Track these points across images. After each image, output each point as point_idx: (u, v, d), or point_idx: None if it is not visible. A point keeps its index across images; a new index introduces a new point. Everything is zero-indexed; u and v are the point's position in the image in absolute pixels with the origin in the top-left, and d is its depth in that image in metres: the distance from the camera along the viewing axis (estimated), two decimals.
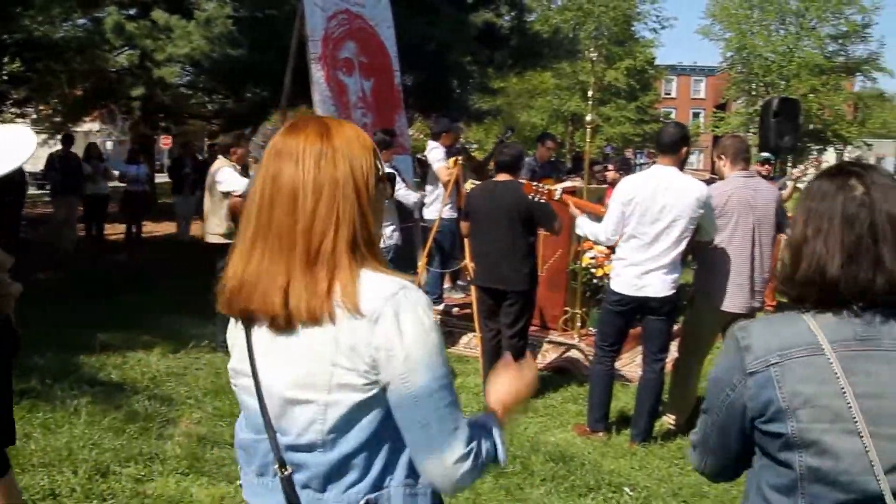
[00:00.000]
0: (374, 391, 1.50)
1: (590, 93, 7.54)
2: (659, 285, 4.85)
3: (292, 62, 8.22)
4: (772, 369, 1.58)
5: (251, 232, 1.54)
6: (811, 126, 39.84)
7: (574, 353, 6.75)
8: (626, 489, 4.42)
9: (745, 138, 5.45)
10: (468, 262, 6.34)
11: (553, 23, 34.58)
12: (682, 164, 5.02)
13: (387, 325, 1.47)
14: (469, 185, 7.22)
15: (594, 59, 6.58)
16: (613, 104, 41.04)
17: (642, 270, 4.84)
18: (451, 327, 7.45)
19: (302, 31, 8.09)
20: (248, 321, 1.58)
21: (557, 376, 6.50)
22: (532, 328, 7.04)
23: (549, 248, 7.08)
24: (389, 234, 6.78)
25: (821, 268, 1.59)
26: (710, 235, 5.01)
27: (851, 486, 1.52)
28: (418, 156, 8.61)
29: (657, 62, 46.34)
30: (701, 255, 5.22)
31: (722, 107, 50.39)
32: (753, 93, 42.32)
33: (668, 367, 5.38)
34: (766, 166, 8.91)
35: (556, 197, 5.40)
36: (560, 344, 6.92)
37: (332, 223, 1.50)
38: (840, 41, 41.25)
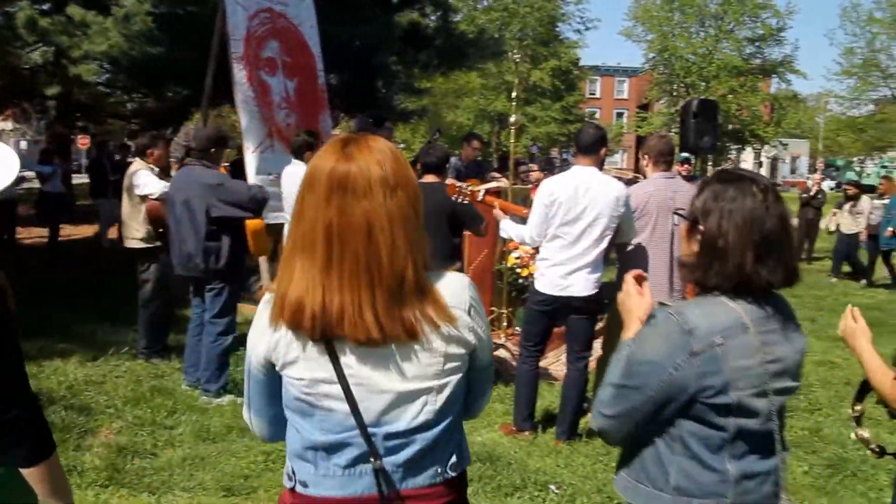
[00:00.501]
0: (467, 364, 1.77)
1: (514, 94, 7.60)
2: (582, 284, 4.92)
3: (213, 61, 8.09)
4: (717, 349, 1.84)
5: (321, 261, 1.60)
6: (730, 126, 40.98)
7: (501, 353, 6.80)
8: (552, 487, 4.48)
9: (670, 139, 5.54)
10: None
11: (479, 23, 34.80)
12: (601, 165, 5.11)
13: (475, 309, 1.75)
14: None
15: (517, 60, 6.58)
16: (539, 104, 41.48)
17: (566, 270, 4.91)
18: None
19: (223, 30, 7.98)
20: (328, 340, 1.65)
21: None
22: None
23: (475, 248, 7.12)
24: None
25: (737, 264, 1.87)
26: (628, 237, 5.12)
27: (763, 438, 1.92)
28: None
29: (582, 63, 47.02)
30: (622, 254, 5.32)
31: (645, 107, 51.41)
32: (675, 93, 43.32)
33: (592, 365, 5.48)
34: (686, 166, 9.13)
35: (480, 198, 5.44)
36: None
37: (409, 253, 1.62)
38: (756, 44, 42.51)
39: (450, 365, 1.71)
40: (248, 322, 6.71)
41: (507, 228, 5.29)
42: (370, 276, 1.59)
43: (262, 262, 8.24)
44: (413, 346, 1.65)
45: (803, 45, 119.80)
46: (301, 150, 6.71)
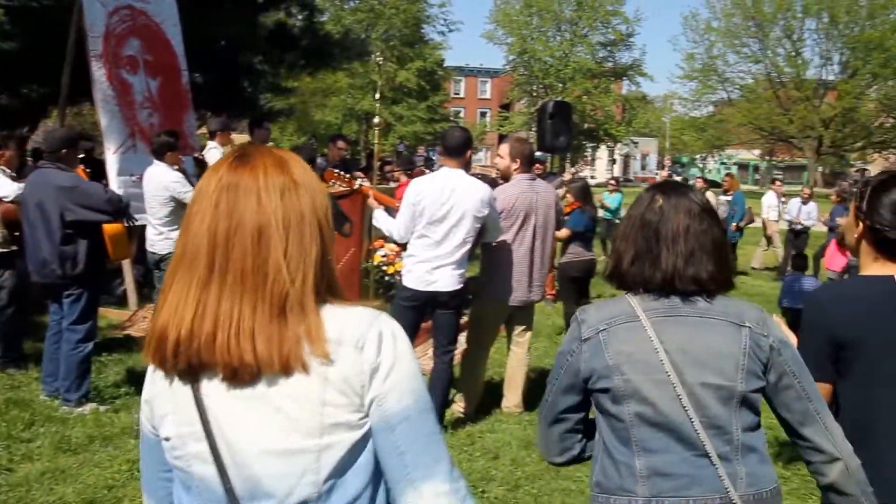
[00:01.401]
0: (363, 424, 1.35)
1: (377, 95, 7.55)
2: (448, 280, 4.94)
3: (70, 58, 7.68)
4: (601, 335, 1.91)
5: (201, 274, 1.32)
6: (585, 125, 42.32)
7: None
8: None
9: (531, 143, 5.65)
10: None
11: (346, 23, 34.55)
12: (467, 166, 5.15)
13: (371, 349, 1.34)
14: None
15: (381, 62, 6.55)
16: (405, 103, 41.57)
17: (432, 266, 4.92)
18: None
19: (80, 25, 7.57)
20: (194, 376, 1.34)
21: None
22: None
23: (342, 247, 7.03)
24: (177, 239, 6.47)
25: (617, 262, 1.99)
26: (492, 237, 5.19)
27: (669, 426, 1.84)
28: (195, 156, 8.26)
29: (446, 64, 47.42)
30: (487, 252, 5.38)
31: (506, 106, 52.41)
32: (534, 94, 44.35)
33: (458, 358, 5.51)
34: (539, 165, 9.30)
35: (357, 186, 5.39)
36: None
37: (301, 263, 1.33)
38: (609, 48, 44.09)
39: (332, 419, 1.31)
40: (113, 326, 6.45)
41: (380, 218, 5.26)
42: (255, 287, 1.30)
43: (126, 265, 7.89)
44: (285, 385, 1.30)
45: (650, 49, 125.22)
46: (162, 151, 6.44)
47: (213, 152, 7.70)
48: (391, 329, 1.38)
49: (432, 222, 4.89)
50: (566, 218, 7.22)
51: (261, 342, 1.29)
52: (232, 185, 1.34)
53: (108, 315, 7.79)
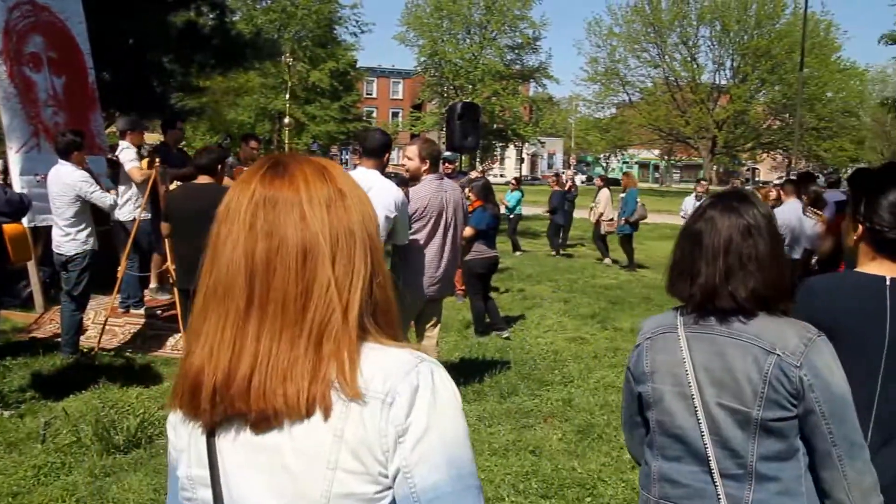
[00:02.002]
0: (383, 498, 1.09)
1: (286, 95, 7.47)
2: None
3: None
4: (646, 342, 1.98)
5: (239, 307, 1.11)
6: (495, 126, 42.66)
7: None
8: None
9: (437, 144, 5.70)
10: (170, 265, 6.05)
11: (258, 23, 33.94)
12: (383, 168, 5.17)
13: (402, 406, 1.08)
14: (173, 186, 6.88)
15: (291, 62, 6.46)
16: (318, 103, 41.13)
17: None
18: (157, 330, 7.07)
19: None
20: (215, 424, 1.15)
21: None
22: None
23: None
24: (84, 240, 6.28)
25: (670, 274, 1.99)
26: (399, 240, 5.19)
27: (684, 439, 1.87)
28: (109, 157, 8.02)
29: (358, 64, 47.12)
30: (400, 250, 5.40)
31: (418, 107, 52.43)
32: (445, 95, 44.44)
33: None
34: (448, 165, 9.38)
35: None
36: None
37: (347, 289, 1.12)
38: (516, 51, 44.49)
39: (342, 487, 1.07)
40: (18, 329, 6.21)
41: None
42: (296, 317, 1.10)
43: (31, 267, 7.59)
44: (297, 436, 1.09)
45: (556, 53, 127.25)
46: (67, 150, 6.22)
47: (127, 152, 7.48)
48: (433, 380, 1.12)
49: None
50: (470, 215, 7.32)
51: (292, 385, 1.07)
52: (269, 199, 1.12)
53: (13, 318, 7.49)
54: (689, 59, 46.11)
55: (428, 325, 5.73)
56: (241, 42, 14.63)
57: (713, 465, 1.80)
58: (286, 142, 6.90)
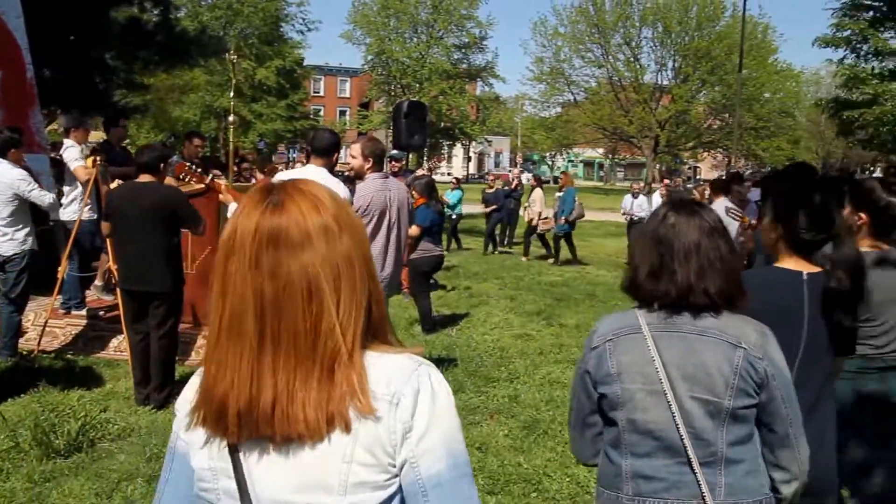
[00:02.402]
0: (389, 484, 1.22)
1: (230, 94, 7.36)
2: None
3: None
4: (607, 344, 2.01)
5: (252, 341, 1.19)
6: (442, 124, 42.74)
7: None
8: None
9: (381, 142, 5.66)
10: (111, 265, 5.92)
11: (203, 20, 33.41)
12: (332, 167, 5.14)
13: (406, 407, 1.21)
14: (114, 184, 6.72)
15: (235, 59, 6.39)
16: (265, 101, 40.71)
17: None
18: (99, 331, 6.91)
19: None
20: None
21: None
22: (185, 325, 6.76)
23: (199, 245, 6.83)
24: (23, 239, 6.11)
25: (633, 276, 2.05)
26: None
27: (659, 434, 1.94)
28: (52, 156, 7.81)
29: (306, 62, 46.73)
30: None
31: (366, 105, 52.26)
32: (392, 93, 44.35)
33: None
34: (395, 163, 9.37)
35: (208, 181, 5.27)
36: None
37: (352, 316, 1.21)
38: (463, 50, 44.64)
39: (357, 478, 1.20)
40: None
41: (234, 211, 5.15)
42: (308, 349, 1.19)
43: None
44: (317, 442, 1.20)
45: (502, 52, 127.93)
46: (4, 148, 6.03)
47: (71, 150, 7.26)
48: (431, 383, 1.25)
49: None
50: (414, 213, 7.32)
51: (311, 410, 1.18)
52: (272, 238, 1.19)
53: None
54: (632, 59, 46.76)
55: None
56: (186, 39, 14.38)
57: (691, 455, 1.90)
58: (231, 140, 6.76)
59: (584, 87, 48.41)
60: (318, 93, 66.14)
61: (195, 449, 1.28)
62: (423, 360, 1.28)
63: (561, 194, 14.67)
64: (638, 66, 46.72)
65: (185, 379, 6.36)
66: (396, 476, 1.22)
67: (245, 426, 1.19)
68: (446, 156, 49.40)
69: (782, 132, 47.16)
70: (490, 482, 4.47)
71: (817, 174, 2.80)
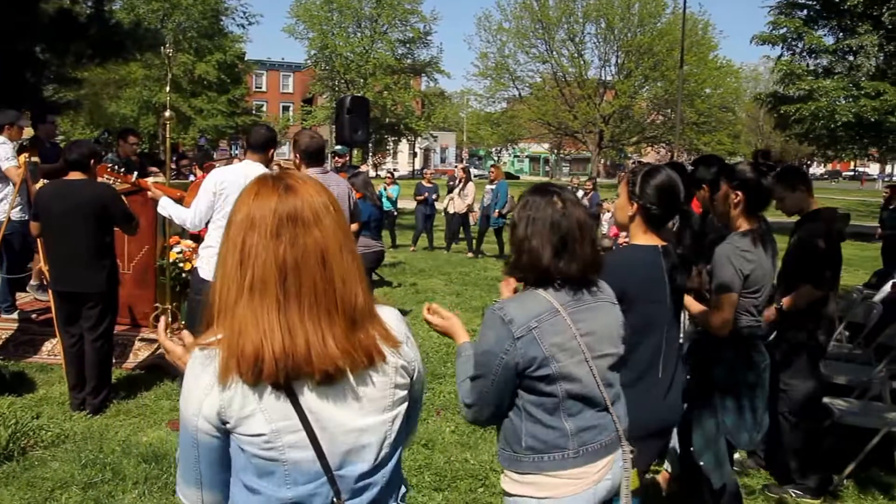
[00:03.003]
0: (403, 386, 1.67)
1: (167, 88, 7.21)
2: None
3: None
4: (534, 332, 2.15)
5: (277, 300, 1.46)
6: (387, 120, 42.55)
7: None
8: None
9: (320, 138, 5.56)
10: (43, 266, 5.74)
11: (139, 13, 32.68)
12: (268, 163, 5.06)
13: (411, 340, 1.70)
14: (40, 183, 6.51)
15: (171, 53, 6.22)
16: (205, 96, 40.02)
17: None
18: (31, 334, 6.70)
19: None
20: (287, 383, 1.49)
21: (150, 374, 6.17)
22: (122, 327, 6.62)
23: (135, 245, 6.67)
24: None
25: (537, 259, 2.19)
26: None
27: (588, 397, 2.21)
28: None
29: (247, 57, 46.03)
30: None
31: (309, 101, 51.72)
32: (336, 89, 44.02)
33: None
34: (338, 159, 9.29)
35: (133, 180, 5.16)
36: (152, 341, 6.57)
37: (357, 275, 1.54)
38: (407, 45, 44.48)
39: (398, 394, 1.64)
40: None
41: (167, 206, 5.04)
42: (329, 305, 1.48)
43: None
44: (368, 376, 1.57)
45: (447, 48, 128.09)
46: None
47: (3, 148, 7.00)
48: (405, 322, 1.73)
49: None
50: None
51: (349, 347, 1.50)
52: (290, 215, 1.48)
53: None
54: (576, 55, 47.14)
55: None
56: (121, 32, 14.05)
57: (607, 401, 2.24)
58: (168, 135, 6.58)
59: (528, 82, 48.66)
60: (261, 88, 65.37)
61: (245, 421, 1.48)
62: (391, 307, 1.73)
63: (493, 188, 14.80)
64: (582, 62, 47.12)
65: (122, 382, 6.21)
66: (408, 390, 1.68)
67: (282, 368, 1.44)
68: (391, 151, 49.26)
69: (723, 127, 48.06)
70: (437, 479, 4.47)
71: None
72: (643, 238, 2.87)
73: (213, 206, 4.79)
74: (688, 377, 3.40)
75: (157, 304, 6.69)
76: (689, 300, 3.46)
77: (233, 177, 4.81)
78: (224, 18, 41.12)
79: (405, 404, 1.67)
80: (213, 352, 1.49)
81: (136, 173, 5.23)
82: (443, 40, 59.46)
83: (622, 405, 2.34)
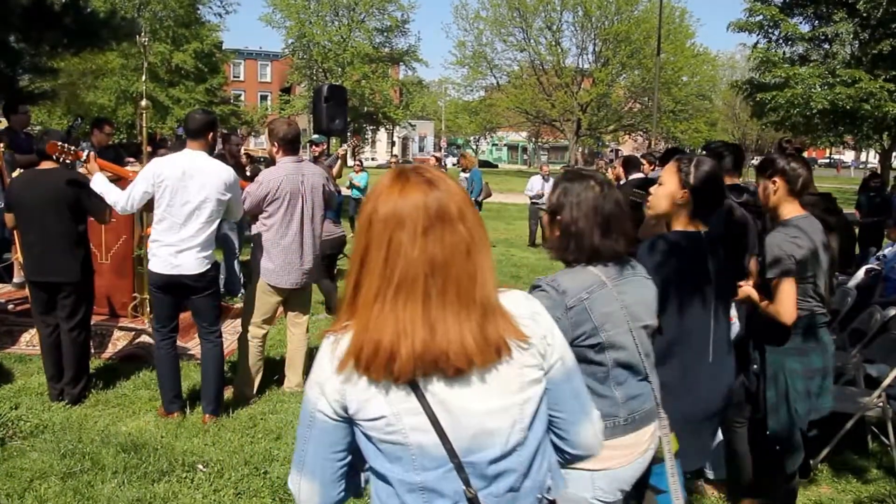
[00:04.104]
0: (544, 379, 1.59)
1: (143, 78, 7.16)
2: (192, 263, 4.80)
3: None
4: (585, 302, 2.27)
5: (423, 296, 1.45)
6: (365, 109, 42.46)
7: (145, 339, 6.42)
8: (200, 466, 4.33)
9: (296, 126, 5.53)
10: (19, 257, 5.69)
11: (115, 1, 32.32)
12: (211, 149, 5.02)
13: (539, 319, 1.59)
14: (16, 173, 6.45)
15: (146, 42, 6.16)
16: (182, 86, 39.71)
17: (176, 250, 4.76)
18: (8, 325, 6.64)
19: None
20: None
21: (129, 364, 6.14)
22: (100, 317, 6.58)
23: (112, 235, 6.63)
24: None
25: (587, 240, 2.32)
26: (235, 217, 5.18)
27: (633, 365, 2.34)
28: None
29: (225, 46, 45.66)
30: (256, 237, 5.29)
31: (287, 90, 51.47)
32: (314, 77, 43.84)
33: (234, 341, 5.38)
34: (316, 147, 9.25)
35: (84, 157, 5.11)
36: (130, 330, 6.54)
37: (492, 268, 1.53)
38: (385, 34, 44.41)
39: (529, 375, 1.55)
40: None
41: (100, 182, 5.00)
42: (469, 301, 1.47)
43: None
44: (494, 363, 1.51)
45: (425, 36, 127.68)
46: None
47: None
48: (535, 301, 1.65)
49: (174, 204, 4.73)
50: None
51: (483, 342, 1.47)
52: (438, 211, 1.46)
53: None
54: (553, 43, 47.24)
55: (295, 314, 5.63)
56: (96, 21, 13.86)
57: (648, 370, 2.38)
58: (143, 125, 6.52)
59: (506, 70, 48.77)
60: (239, 77, 64.90)
61: (365, 405, 1.49)
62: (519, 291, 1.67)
63: (467, 175, 14.90)
64: (559, 50, 47.25)
65: (100, 372, 6.17)
66: (543, 371, 1.58)
67: (420, 366, 1.44)
68: (370, 140, 49.12)
69: (700, 114, 48.42)
70: None
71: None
72: (688, 225, 2.97)
73: (145, 194, 4.76)
74: (754, 366, 3.57)
75: (135, 294, 6.66)
76: (750, 291, 3.50)
77: (170, 171, 4.73)
78: (200, 7, 40.80)
79: (539, 385, 1.58)
80: (344, 339, 1.51)
81: (86, 151, 5.15)
82: (421, 28, 59.27)
83: (656, 375, 2.44)
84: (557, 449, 1.70)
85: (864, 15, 21.89)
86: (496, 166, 63.31)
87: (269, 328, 5.61)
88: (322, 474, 1.60)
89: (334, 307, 7.97)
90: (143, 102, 6.16)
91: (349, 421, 1.54)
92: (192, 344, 6.15)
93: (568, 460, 1.73)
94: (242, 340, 5.44)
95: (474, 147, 59.67)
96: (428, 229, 1.46)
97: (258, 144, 44.39)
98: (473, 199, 14.49)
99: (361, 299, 1.49)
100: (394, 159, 24.04)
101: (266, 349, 5.64)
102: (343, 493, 1.65)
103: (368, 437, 1.52)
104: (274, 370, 5.85)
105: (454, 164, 29.85)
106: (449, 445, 1.49)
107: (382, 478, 1.55)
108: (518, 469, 1.55)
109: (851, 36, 22.41)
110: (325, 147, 9.38)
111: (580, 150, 48.02)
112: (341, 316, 1.55)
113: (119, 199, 4.85)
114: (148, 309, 6.58)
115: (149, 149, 6.68)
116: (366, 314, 1.47)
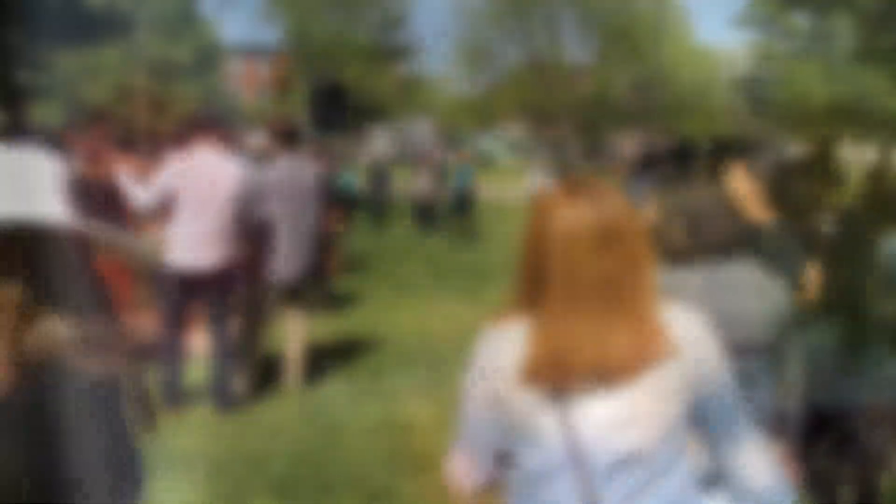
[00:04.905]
0: (685, 390, 1.56)
1: (141, 73, 7.13)
2: (208, 257, 4.88)
3: None
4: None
5: (594, 308, 1.52)
6: (364, 104, 42.34)
7: (146, 333, 6.43)
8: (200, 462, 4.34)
9: (293, 121, 5.54)
10: None
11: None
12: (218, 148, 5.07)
13: (702, 342, 1.58)
14: None
15: (144, 38, 6.11)
16: (180, 81, 39.55)
17: (193, 242, 4.85)
18: None
19: None
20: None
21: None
22: None
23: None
24: None
25: (676, 243, 2.37)
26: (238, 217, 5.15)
27: None
28: None
29: (223, 41, 45.43)
30: (254, 231, 5.31)
31: (285, 86, 51.19)
32: (313, 73, 43.68)
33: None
34: (313, 143, 9.26)
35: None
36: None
37: (648, 275, 1.57)
38: (385, 29, 44.17)
39: (663, 385, 1.53)
40: None
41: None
42: (633, 311, 1.53)
43: None
44: (638, 372, 1.54)
45: (425, 31, 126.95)
46: None
47: None
48: (688, 316, 1.61)
49: (192, 200, 4.81)
50: None
51: (633, 355, 1.50)
52: (608, 227, 1.52)
53: None
54: (553, 38, 47.04)
55: (296, 312, 5.64)
56: (94, 17, 13.86)
57: None
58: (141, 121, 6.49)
59: (506, 66, 48.56)
60: (236, 73, 64.69)
61: (516, 391, 1.55)
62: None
63: (461, 171, 15.06)
64: (559, 45, 47.05)
65: None
66: (684, 381, 1.55)
67: (589, 378, 1.51)
68: (368, 136, 49.03)
69: (700, 110, 48.28)
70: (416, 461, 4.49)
71: None
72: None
73: (171, 198, 4.81)
74: None
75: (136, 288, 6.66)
76: None
77: (193, 176, 4.83)
78: (198, 2, 40.63)
79: (678, 398, 1.55)
80: (517, 338, 1.57)
81: None
82: (420, 24, 59.15)
83: None
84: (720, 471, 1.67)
85: (864, 11, 21.88)
86: (495, 162, 63.10)
87: (270, 325, 5.62)
88: (482, 451, 1.69)
89: (323, 304, 8.00)
90: (141, 97, 6.16)
91: (499, 404, 1.59)
92: (194, 338, 6.16)
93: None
94: (244, 336, 5.45)
95: (473, 143, 59.61)
96: (601, 245, 1.52)
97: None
98: (462, 194, 14.59)
99: (550, 309, 1.55)
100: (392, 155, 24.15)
101: (266, 347, 5.66)
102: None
103: (501, 421, 1.60)
104: (274, 368, 5.86)
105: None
106: (574, 440, 1.54)
107: (509, 460, 1.63)
108: (639, 473, 1.55)
109: (851, 32, 22.39)
110: (322, 143, 9.41)
111: (580, 145, 47.92)
112: (510, 316, 1.62)
113: (140, 196, 4.90)
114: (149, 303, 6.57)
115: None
116: (543, 322, 1.55)
